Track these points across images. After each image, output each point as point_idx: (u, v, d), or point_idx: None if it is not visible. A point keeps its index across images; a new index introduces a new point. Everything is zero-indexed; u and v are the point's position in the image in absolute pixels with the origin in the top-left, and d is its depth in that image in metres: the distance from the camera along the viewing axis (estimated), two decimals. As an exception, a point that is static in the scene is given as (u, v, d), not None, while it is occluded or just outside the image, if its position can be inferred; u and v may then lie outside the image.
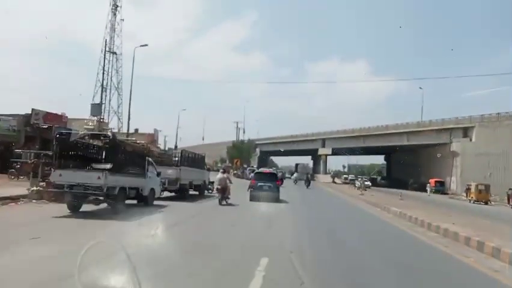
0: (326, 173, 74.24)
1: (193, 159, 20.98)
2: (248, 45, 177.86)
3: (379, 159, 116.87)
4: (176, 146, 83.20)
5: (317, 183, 57.13)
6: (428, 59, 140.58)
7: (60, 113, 35.45)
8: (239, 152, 73.56)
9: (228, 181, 17.25)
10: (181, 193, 18.83)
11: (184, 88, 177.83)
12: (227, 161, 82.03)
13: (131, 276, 1.94)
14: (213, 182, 22.00)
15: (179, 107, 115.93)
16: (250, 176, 29.99)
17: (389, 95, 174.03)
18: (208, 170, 25.15)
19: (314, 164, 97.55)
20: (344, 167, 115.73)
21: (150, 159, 15.33)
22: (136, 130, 62.37)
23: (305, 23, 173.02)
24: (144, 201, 13.97)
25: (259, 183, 19.39)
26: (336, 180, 61.98)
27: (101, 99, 54.10)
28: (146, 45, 41.41)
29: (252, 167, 58.31)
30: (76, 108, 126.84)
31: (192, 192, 20.34)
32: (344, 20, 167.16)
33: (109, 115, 74.72)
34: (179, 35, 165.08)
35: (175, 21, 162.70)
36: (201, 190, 21.66)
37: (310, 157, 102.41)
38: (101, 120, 30.82)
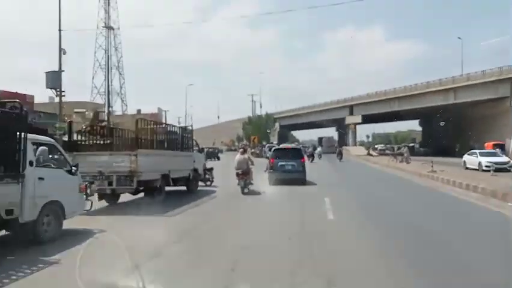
0: (355, 144, 65.61)
1: (168, 137, 13.30)
2: (260, 20, 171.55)
3: (410, 125, 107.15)
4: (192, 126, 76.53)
5: (349, 156, 49.04)
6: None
7: (25, 93, 28.44)
8: (256, 128, 65.67)
9: (249, 163, 13.89)
10: (148, 194, 11.30)
11: (198, 68, 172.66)
12: (243, 139, 74.49)
13: (134, 271, 1.93)
14: (211, 170, 16.83)
15: (193, 88, 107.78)
16: (268, 155, 25.49)
17: (411, 59, 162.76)
18: (202, 150, 17.54)
19: (339, 136, 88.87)
20: (367, 136, 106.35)
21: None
22: (139, 111, 55.49)
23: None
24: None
25: (280, 163, 15.93)
26: (372, 151, 53.33)
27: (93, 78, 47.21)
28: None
29: (272, 143, 50.60)
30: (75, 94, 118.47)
31: (171, 188, 12.81)
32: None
33: (112, 97, 68.03)
34: (189, 16, 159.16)
35: (186, 2, 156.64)
36: (190, 184, 14.06)
37: (334, 129, 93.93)
38: (61, 93, 23.16)
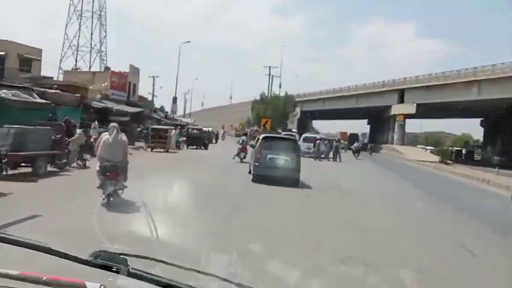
0: (402, 142, 48.58)
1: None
2: (287, 7, 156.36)
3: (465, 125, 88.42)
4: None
5: (401, 160, 32.60)
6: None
7: None
8: (271, 110, 49.32)
9: (126, 151, 8.19)
10: None
11: (221, 52, 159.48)
12: (254, 124, 58.31)
13: (148, 220, 1.76)
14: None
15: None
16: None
17: (440, 59, 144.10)
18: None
19: (373, 130, 71.75)
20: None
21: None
22: (107, 68, 39.75)
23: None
24: None
25: (270, 155, 12.58)
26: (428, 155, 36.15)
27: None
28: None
29: (290, 130, 34.63)
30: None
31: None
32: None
33: (90, 54, 52.40)
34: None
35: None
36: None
37: (366, 121, 76.75)
38: None
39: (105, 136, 7.79)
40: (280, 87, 60.55)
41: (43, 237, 1.16)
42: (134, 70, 37.24)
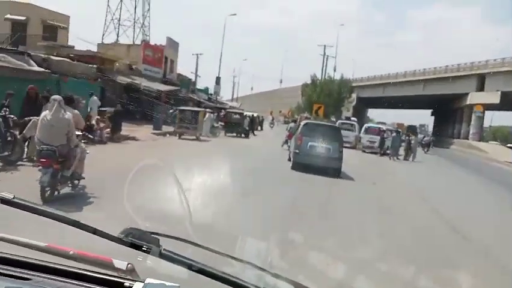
0: (480, 137, 41.38)
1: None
2: None
3: None
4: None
5: (484, 161, 26.32)
6: None
7: None
8: (324, 95, 43.89)
9: (73, 132, 6.33)
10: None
11: (271, 34, 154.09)
12: (305, 110, 53.06)
13: (181, 197, 1.59)
14: None
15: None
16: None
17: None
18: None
19: (438, 122, 63.64)
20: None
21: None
22: (145, 41, 36.31)
23: None
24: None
25: (311, 143, 12.24)
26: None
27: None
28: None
29: (349, 119, 29.39)
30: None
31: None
32: None
33: (134, 29, 49.36)
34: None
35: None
36: None
37: (430, 112, 68.59)
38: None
39: (43, 113, 6.25)
40: (335, 70, 54.73)
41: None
42: (173, 44, 33.24)
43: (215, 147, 16.84)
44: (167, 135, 19.97)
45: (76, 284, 1.02)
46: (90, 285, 1.02)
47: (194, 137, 19.60)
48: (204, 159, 11.01)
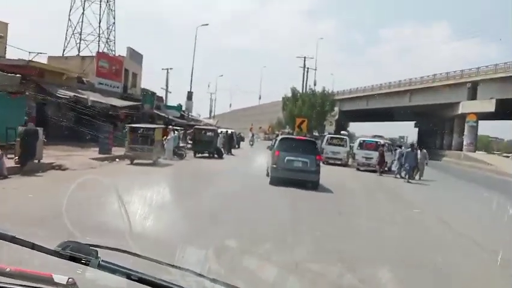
0: (475, 148, 38.46)
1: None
2: (317, 11, 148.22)
3: None
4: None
5: (494, 175, 23.06)
6: None
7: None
8: (307, 108, 40.42)
9: None
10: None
11: (250, 57, 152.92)
12: (286, 125, 49.44)
13: (121, 210, 1.62)
14: None
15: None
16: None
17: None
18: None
19: (422, 134, 61.02)
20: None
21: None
22: (98, 52, 32.02)
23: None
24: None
25: (288, 157, 12.27)
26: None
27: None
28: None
29: (339, 133, 25.81)
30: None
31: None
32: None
33: (99, 44, 45.14)
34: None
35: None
36: None
37: (413, 123, 66.16)
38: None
39: None
40: (315, 84, 51.46)
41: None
42: (135, 55, 29.23)
43: (170, 177, 12.54)
44: (117, 160, 15.81)
45: None
46: None
47: (151, 161, 15.53)
48: (142, 203, 6.90)
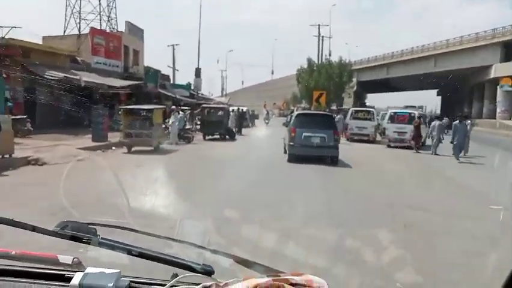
0: (510, 115, 35.30)
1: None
2: None
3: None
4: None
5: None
6: None
7: None
8: (324, 79, 37.62)
9: None
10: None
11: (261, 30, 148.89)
12: (302, 101, 46.76)
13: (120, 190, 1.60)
14: None
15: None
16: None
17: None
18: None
19: (445, 102, 57.36)
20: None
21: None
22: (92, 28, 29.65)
23: None
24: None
25: (305, 134, 12.16)
26: None
27: None
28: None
29: (364, 105, 23.33)
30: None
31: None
32: None
33: (100, 23, 42.72)
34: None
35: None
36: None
37: (436, 91, 62.44)
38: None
39: None
40: (330, 55, 48.18)
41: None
42: (135, 30, 26.82)
43: (168, 169, 10.09)
44: (113, 148, 13.73)
45: (18, 281, 0.98)
46: (34, 281, 0.99)
47: (151, 147, 13.40)
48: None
